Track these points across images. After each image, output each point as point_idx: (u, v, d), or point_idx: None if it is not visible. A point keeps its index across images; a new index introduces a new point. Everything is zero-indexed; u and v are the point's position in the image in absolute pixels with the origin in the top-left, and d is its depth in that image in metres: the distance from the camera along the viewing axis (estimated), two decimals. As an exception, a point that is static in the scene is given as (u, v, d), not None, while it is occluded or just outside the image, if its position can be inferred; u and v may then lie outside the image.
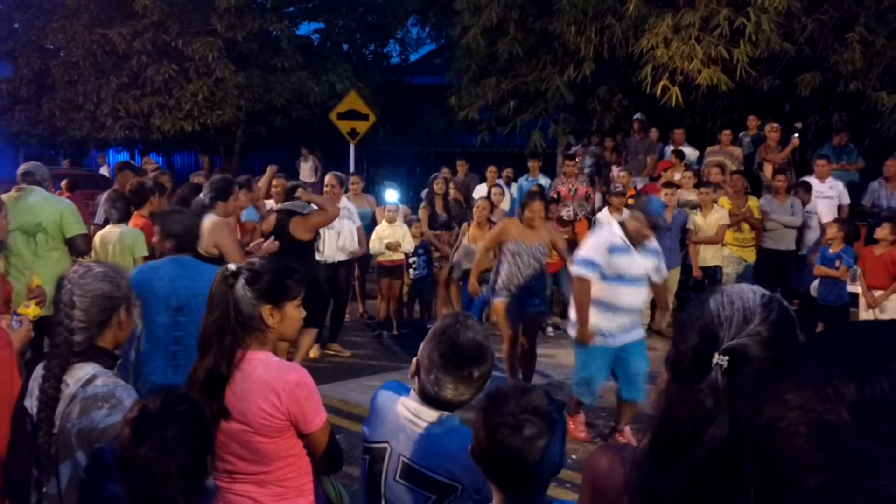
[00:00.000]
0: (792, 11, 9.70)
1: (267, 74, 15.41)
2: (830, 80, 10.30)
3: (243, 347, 2.30)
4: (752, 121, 10.97)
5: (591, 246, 5.42)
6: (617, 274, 5.31)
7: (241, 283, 2.31)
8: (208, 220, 5.58)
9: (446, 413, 2.09)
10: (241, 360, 2.29)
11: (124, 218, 5.84)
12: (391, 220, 8.54)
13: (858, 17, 9.81)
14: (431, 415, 2.08)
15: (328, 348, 7.91)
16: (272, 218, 6.51)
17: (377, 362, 7.68)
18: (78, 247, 5.45)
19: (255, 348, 2.32)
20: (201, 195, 6.20)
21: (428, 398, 2.08)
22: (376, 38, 17.86)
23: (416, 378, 2.11)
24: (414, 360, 2.13)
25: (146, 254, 5.49)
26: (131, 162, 9.57)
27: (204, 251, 5.55)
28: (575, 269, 5.38)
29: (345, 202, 7.95)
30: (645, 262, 5.46)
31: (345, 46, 17.43)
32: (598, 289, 5.31)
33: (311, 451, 2.37)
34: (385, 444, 2.15)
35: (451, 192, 9.58)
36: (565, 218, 9.56)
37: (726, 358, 1.19)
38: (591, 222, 9.34)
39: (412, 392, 2.15)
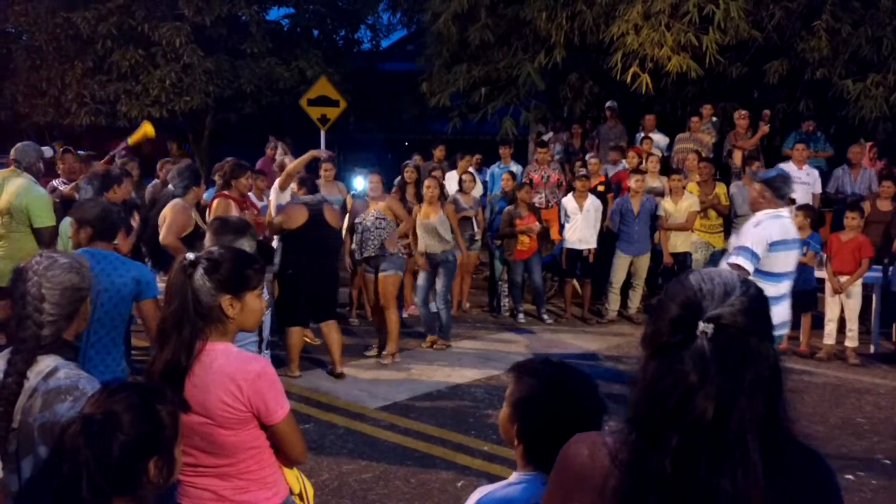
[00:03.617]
0: (760, -1, 9.76)
1: (236, 60, 15.18)
2: (797, 67, 10.40)
3: (203, 339, 2.25)
4: (707, 109, 11.02)
5: None
6: None
7: (199, 273, 2.26)
8: (170, 204, 5.76)
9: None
10: (201, 351, 2.24)
11: None
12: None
13: (825, 6, 9.89)
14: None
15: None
16: (303, 209, 6.50)
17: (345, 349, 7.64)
18: (42, 238, 5.41)
19: (216, 339, 2.28)
20: (170, 185, 6.26)
21: None
22: (347, 23, 17.68)
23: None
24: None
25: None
26: (69, 148, 9.47)
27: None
28: None
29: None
30: None
31: (315, 32, 17.24)
32: None
33: (275, 442, 2.33)
34: None
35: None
36: (537, 205, 9.57)
37: (711, 325, 1.22)
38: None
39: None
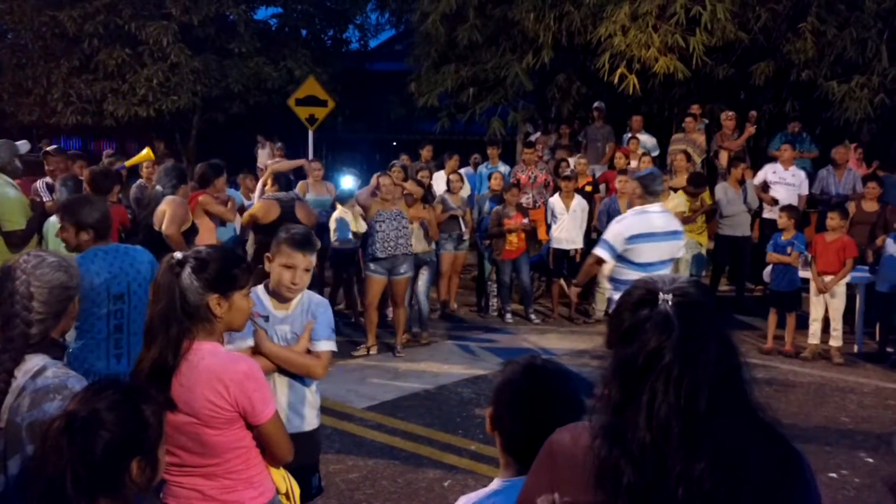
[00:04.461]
0: (746, 1, 9.83)
1: (224, 59, 15.14)
2: (783, 69, 10.48)
3: (190, 338, 2.26)
4: (696, 109, 11.09)
5: None
6: None
7: (187, 272, 2.27)
8: (166, 199, 5.80)
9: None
10: (188, 350, 2.24)
11: None
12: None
13: (810, 8, 9.98)
14: None
15: None
16: (274, 205, 6.57)
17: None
18: (11, 241, 5.24)
19: (203, 339, 2.28)
20: (157, 186, 6.31)
21: None
22: (335, 23, 17.66)
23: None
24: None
25: None
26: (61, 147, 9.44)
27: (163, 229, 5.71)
28: None
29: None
30: None
31: (303, 32, 17.22)
32: None
33: (261, 442, 2.33)
34: None
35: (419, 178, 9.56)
36: (525, 205, 9.60)
37: (671, 295, 1.37)
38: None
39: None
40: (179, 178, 6.10)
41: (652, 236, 5.18)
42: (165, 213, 5.81)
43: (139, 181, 8.79)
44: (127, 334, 3.59)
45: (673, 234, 5.33)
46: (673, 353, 1.30)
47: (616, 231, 5.21)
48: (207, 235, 6.59)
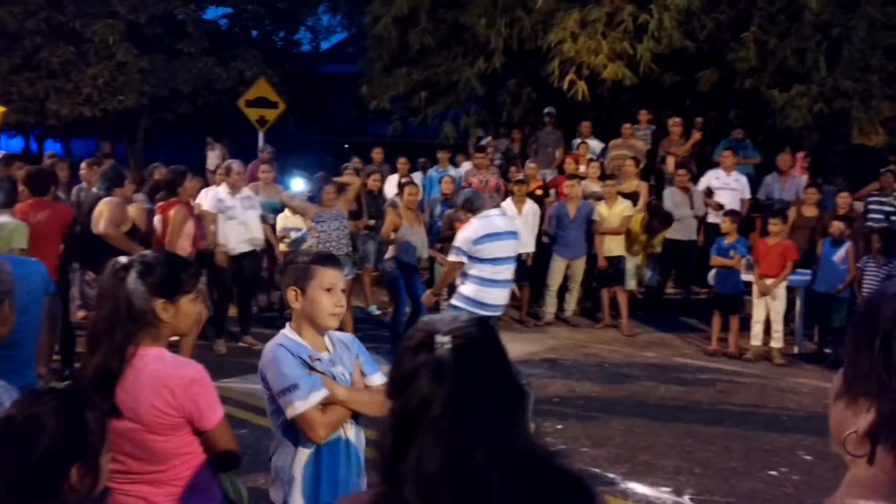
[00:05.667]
0: (692, 10, 10.05)
1: (172, 59, 14.92)
2: (728, 76, 10.74)
3: (135, 343, 2.23)
4: (644, 115, 11.31)
5: None
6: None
7: (132, 277, 2.24)
8: (102, 200, 5.74)
9: None
10: (133, 356, 2.21)
11: (5, 205, 5.46)
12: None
13: (753, 18, 10.25)
14: None
15: (242, 341, 7.80)
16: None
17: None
18: None
19: (148, 344, 2.25)
20: (94, 189, 6.26)
21: None
22: (286, 24, 17.57)
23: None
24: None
25: (24, 246, 5.02)
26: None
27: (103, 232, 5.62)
28: None
29: (246, 191, 7.82)
30: None
31: (254, 32, 17.09)
32: None
33: (208, 448, 2.31)
34: None
35: (370, 182, 9.57)
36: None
37: (448, 337, 1.26)
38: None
39: None
40: (115, 180, 6.09)
41: (496, 236, 5.92)
42: (102, 215, 5.74)
43: (80, 185, 8.59)
44: (20, 349, 3.37)
45: (512, 234, 6.14)
46: (443, 405, 1.19)
47: (464, 237, 5.98)
48: (186, 242, 6.50)
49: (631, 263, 9.17)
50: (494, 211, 6.15)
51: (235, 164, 7.68)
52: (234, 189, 7.57)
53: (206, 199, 7.50)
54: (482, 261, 5.88)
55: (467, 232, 6.01)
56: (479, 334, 1.28)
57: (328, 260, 2.68)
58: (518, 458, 1.21)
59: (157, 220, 6.72)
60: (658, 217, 8.99)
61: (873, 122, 10.20)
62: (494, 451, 1.19)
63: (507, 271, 6.02)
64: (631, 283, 9.17)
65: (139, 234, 6.30)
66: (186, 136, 17.29)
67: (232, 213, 7.47)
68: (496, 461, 1.18)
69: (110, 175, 6.11)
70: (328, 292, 2.60)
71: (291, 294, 2.62)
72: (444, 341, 1.25)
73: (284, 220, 8.23)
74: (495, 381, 1.25)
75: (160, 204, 6.83)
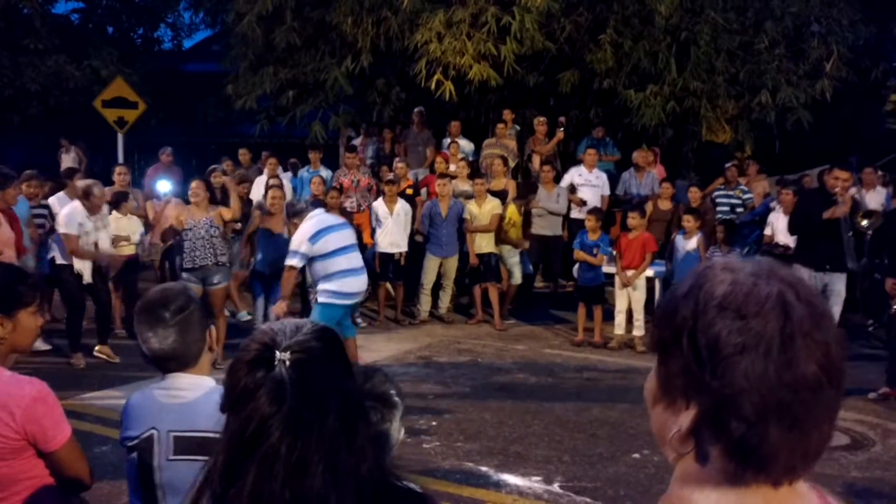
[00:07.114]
0: (552, 12, 10.36)
1: (18, 56, 13.97)
2: (587, 77, 11.15)
3: (-32, 364, 2.09)
4: (508, 114, 11.60)
5: None
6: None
7: (-37, 293, 2.09)
8: None
9: (198, 377, 2.11)
10: (-33, 377, 2.07)
11: None
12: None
13: (609, 21, 10.69)
14: (183, 381, 2.09)
15: (99, 352, 7.43)
16: None
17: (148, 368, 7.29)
18: None
19: (-17, 364, 2.11)
20: None
21: (158, 365, 2.10)
22: (145, 21, 16.83)
23: None
24: None
25: None
26: None
27: None
28: None
29: (104, 210, 7.61)
30: None
31: (109, 29, 16.27)
32: None
33: (55, 470, 2.19)
34: (152, 431, 2.07)
35: (240, 189, 9.32)
36: (349, 209, 9.61)
37: (288, 353, 1.18)
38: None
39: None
40: None
41: (329, 229, 6.39)
42: None
43: None
44: None
45: (344, 225, 6.68)
46: (282, 429, 1.13)
47: (299, 239, 6.36)
48: (10, 251, 6.15)
49: (515, 257, 9.37)
50: (318, 210, 6.69)
51: (97, 189, 7.46)
52: (93, 211, 7.39)
53: (67, 219, 7.22)
54: (331, 254, 6.31)
55: (300, 234, 6.40)
56: (319, 349, 1.21)
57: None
58: (358, 480, 1.16)
59: None
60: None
61: (720, 120, 10.89)
62: (333, 474, 1.14)
63: (357, 258, 6.51)
64: (517, 276, 9.36)
65: None
66: (37, 138, 16.23)
67: (87, 238, 7.28)
68: (335, 485, 1.14)
69: None
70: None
71: None
72: (283, 357, 1.17)
73: (117, 222, 8.03)
74: (337, 400, 1.18)
75: None
